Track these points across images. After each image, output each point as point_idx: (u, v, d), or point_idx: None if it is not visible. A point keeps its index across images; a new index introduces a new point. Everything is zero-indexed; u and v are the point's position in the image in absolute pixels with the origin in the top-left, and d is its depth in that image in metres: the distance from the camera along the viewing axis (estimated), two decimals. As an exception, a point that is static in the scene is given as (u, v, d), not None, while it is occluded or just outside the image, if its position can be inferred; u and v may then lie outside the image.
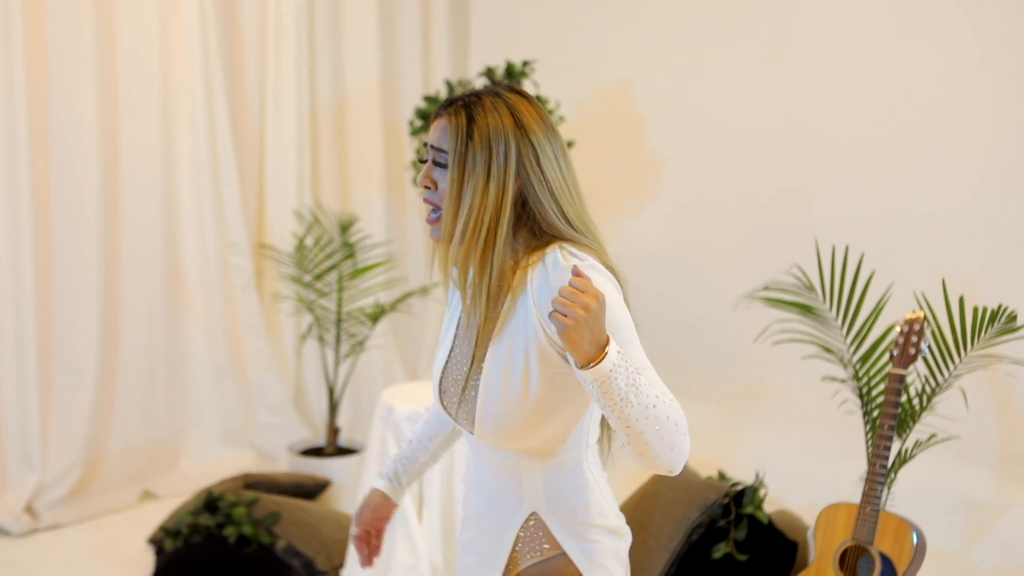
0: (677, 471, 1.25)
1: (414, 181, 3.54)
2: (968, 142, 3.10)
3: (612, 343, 1.17)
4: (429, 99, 3.68)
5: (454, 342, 1.40)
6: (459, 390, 1.37)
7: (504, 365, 1.30)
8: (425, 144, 1.35)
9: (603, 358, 1.15)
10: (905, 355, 2.35)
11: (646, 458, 1.22)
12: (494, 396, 1.31)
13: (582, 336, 1.14)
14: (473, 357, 1.33)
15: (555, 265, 1.26)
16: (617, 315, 1.23)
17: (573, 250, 1.28)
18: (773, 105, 3.63)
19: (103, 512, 3.61)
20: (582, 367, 1.16)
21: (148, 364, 3.87)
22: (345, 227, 3.79)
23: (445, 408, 1.42)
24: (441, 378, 1.42)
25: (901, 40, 3.26)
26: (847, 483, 2.85)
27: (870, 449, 2.54)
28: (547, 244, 1.30)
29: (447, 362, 1.42)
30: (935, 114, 3.17)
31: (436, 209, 1.34)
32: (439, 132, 1.32)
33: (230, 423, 4.13)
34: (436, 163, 1.32)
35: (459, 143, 1.28)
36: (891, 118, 3.28)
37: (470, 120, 1.29)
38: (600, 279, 1.24)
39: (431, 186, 1.33)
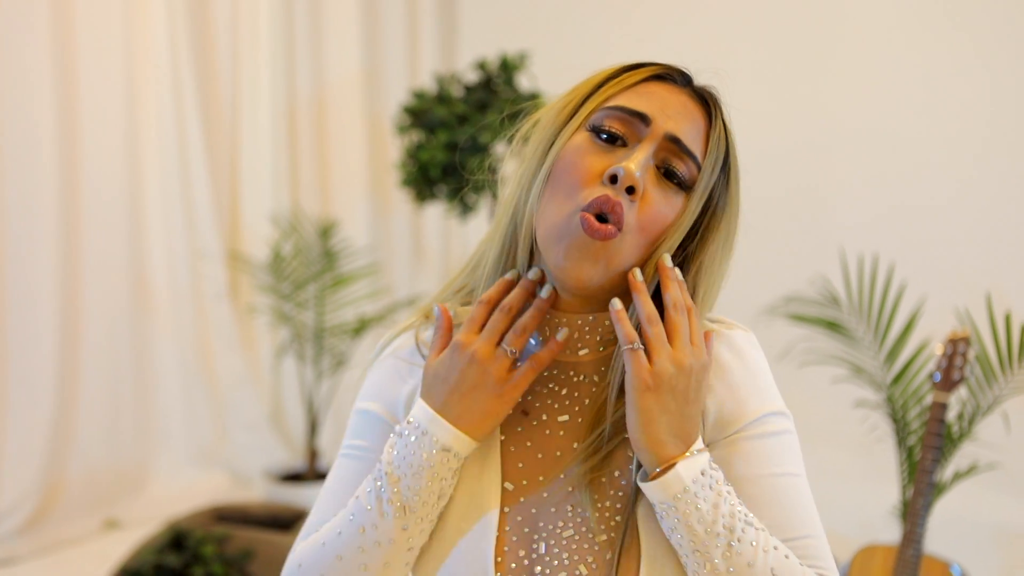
0: None
1: (404, 182, 3.24)
2: (1018, 145, 2.87)
3: (700, 441, 0.75)
4: (417, 94, 3.41)
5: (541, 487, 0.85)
6: None
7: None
8: (631, 114, 0.84)
9: (680, 460, 0.73)
10: (949, 379, 2.12)
11: None
12: None
13: (662, 412, 0.73)
14: (634, 500, 0.79)
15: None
16: (787, 442, 0.84)
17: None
18: (789, 100, 3.40)
19: (62, 544, 3.34)
20: (650, 473, 0.75)
21: (112, 380, 3.62)
22: (325, 233, 3.53)
23: None
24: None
25: (939, 31, 3.02)
26: (868, 511, 2.63)
27: (905, 481, 2.32)
28: None
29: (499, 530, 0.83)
30: (973, 107, 2.94)
31: (618, 226, 0.79)
32: (692, 127, 0.83)
33: (201, 443, 3.89)
34: (670, 172, 0.83)
35: (717, 164, 0.84)
36: (919, 108, 3.04)
37: (729, 143, 0.86)
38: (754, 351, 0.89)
39: (636, 187, 0.79)
